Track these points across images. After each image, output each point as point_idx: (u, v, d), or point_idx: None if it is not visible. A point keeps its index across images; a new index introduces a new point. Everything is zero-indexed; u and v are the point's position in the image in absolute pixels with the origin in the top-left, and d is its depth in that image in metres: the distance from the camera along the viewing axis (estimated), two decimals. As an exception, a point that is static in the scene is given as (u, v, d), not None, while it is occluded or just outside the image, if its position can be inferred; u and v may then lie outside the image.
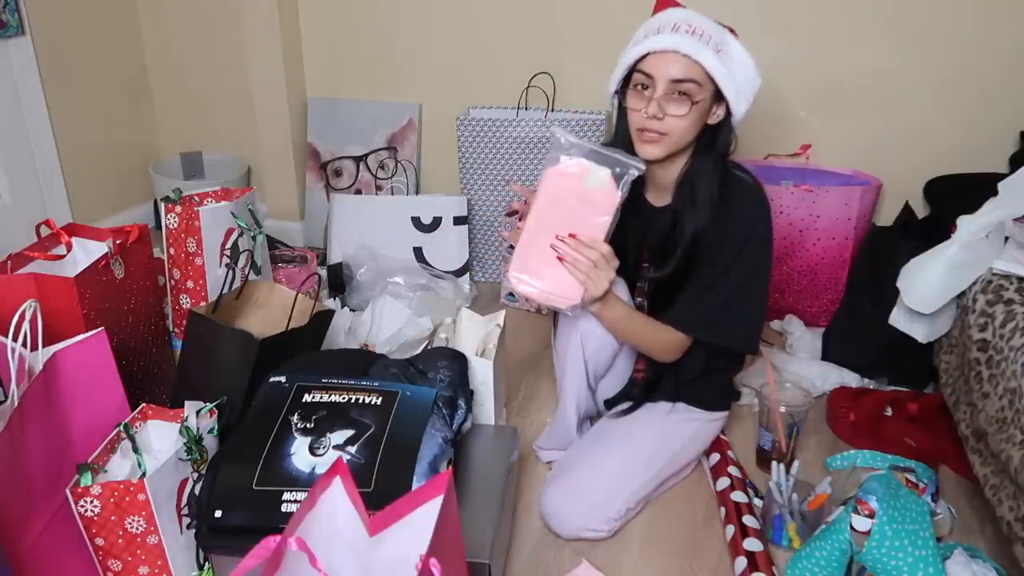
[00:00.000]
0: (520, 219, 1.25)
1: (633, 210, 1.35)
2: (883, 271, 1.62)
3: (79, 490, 0.98)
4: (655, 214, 1.35)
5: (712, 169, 1.26)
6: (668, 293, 1.33)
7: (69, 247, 1.41)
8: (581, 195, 1.15)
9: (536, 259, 1.21)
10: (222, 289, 1.46)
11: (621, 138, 1.30)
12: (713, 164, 1.26)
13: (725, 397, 1.49)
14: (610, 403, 1.49)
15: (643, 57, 1.20)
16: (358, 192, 2.45)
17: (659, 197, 1.36)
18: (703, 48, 1.16)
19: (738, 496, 1.34)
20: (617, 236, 1.21)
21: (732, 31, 1.24)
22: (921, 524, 1.09)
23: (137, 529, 1.02)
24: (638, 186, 1.35)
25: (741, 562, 1.22)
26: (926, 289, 1.41)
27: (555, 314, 1.42)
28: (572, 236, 1.18)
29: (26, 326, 1.03)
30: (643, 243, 1.37)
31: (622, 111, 1.28)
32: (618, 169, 1.14)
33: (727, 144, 1.27)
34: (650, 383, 1.42)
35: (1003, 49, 1.88)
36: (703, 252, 1.27)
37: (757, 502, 1.36)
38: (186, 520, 1.08)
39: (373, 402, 1.14)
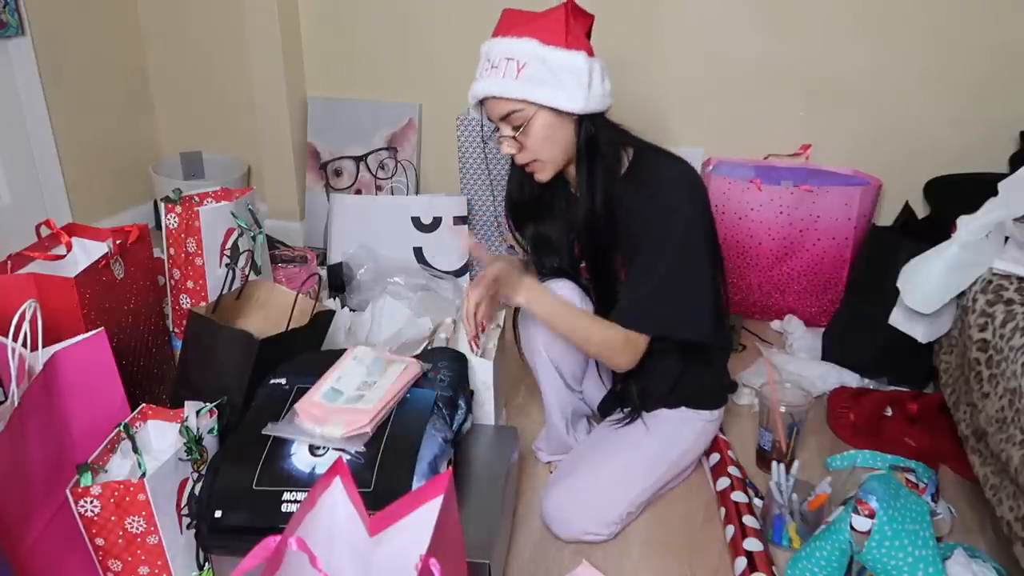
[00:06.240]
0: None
1: (563, 204, 1.39)
2: (883, 271, 1.62)
3: (79, 490, 0.99)
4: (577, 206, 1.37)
5: (584, 155, 1.26)
6: (603, 286, 1.36)
7: (69, 247, 1.41)
8: None
9: None
10: (222, 289, 1.46)
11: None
12: (585, 151, 1.26)
13: (720, 393, 1.47)
14: (604, 409, 1.49)
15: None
16: (358, 192, 2.45)
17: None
18: (500, 81, 1.21)
19: (738, 496, 1.34)
20: (552, 230, 1.38)
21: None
22: (921, 524, 1.09)
23: (137, 529, 1.02)
24: (569, 182, 1.37)
25: (741, 562, 1.22)
26: (926, 289, 1.41)
27: (515, 325, 1.45)
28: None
29: (26, 326, 1.03)
30: (573, 234, 1.41)
31: None
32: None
33: (590, 131, 1.25)
34: (641, 392, 1.40)
35: (1003, 49, 1.88)
36: (620, 239, 1.29)
37: (757, 502, 1.36)
38: (186, 520, 1.08)
39: (373, 402, 1.14)
